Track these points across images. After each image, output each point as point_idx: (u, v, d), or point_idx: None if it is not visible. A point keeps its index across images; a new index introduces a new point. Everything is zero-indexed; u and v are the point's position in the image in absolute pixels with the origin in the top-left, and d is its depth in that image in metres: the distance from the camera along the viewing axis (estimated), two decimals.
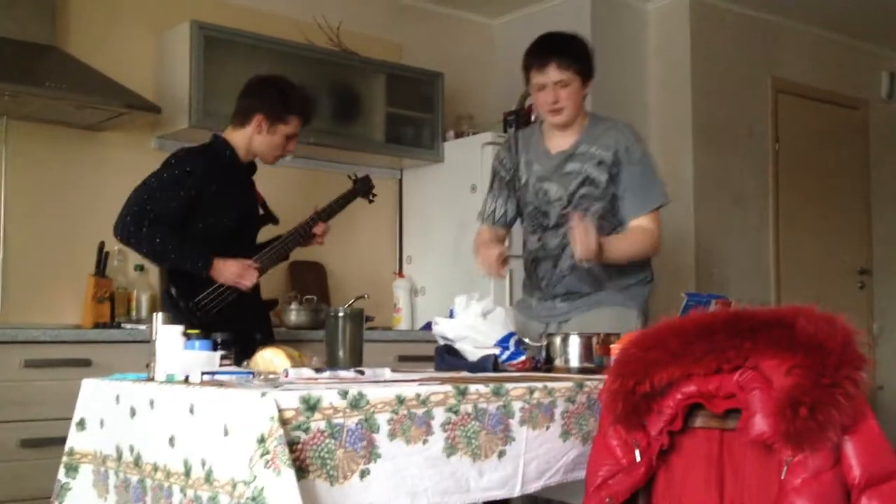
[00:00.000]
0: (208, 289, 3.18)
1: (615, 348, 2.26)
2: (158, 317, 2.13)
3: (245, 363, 2.22)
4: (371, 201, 3.80)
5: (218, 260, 3.17)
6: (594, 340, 2.42)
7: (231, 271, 3.19)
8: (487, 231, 3.05)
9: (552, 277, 2.94)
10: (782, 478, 1.68)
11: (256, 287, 3.32)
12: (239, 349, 3.06)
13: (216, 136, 3.33)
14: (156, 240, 3.11)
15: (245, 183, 3.38)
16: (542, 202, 2.92)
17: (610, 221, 2.89)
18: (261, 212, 3.47)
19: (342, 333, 2.40)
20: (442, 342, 2.65)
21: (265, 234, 3.49)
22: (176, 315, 3.17)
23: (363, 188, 3.71)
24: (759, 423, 1.71)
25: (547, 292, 2.97)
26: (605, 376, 1.98)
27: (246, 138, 3.28)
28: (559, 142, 2.93)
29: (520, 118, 4.81)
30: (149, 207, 3.12)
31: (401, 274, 4.87)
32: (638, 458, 1.87)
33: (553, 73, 2.82)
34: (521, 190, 2.98)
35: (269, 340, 3.39)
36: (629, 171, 2.85)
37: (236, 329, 3.20)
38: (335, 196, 3.58)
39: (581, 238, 2.63)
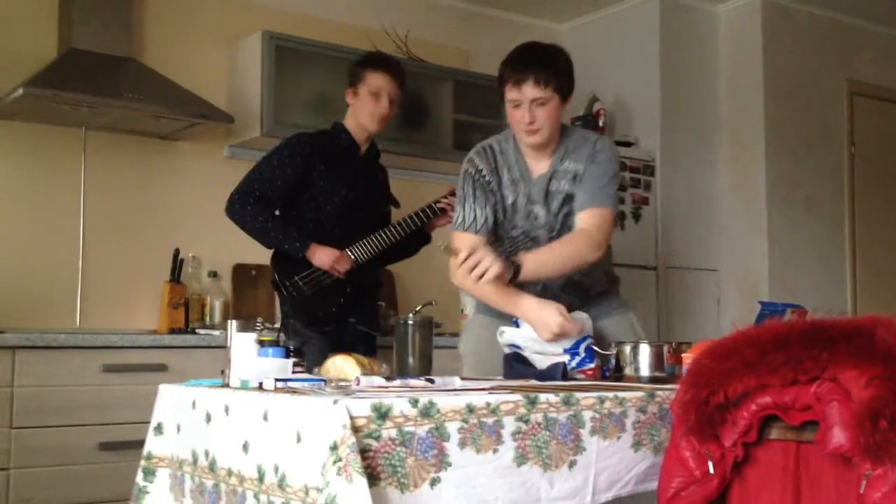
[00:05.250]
0: (306, 271, 3.34)
1: (687, 357, 2.23)
2: (233, 324, 2.17)
3: (316, 370, 2.24)
4: None
5: (315, 245, 3.33)
6: (665, 349, 2.40)
7: (326, 257, 3.34)
8: (472, 240, 2.70)
9: (542, 295, 2.69)
10: (861, 492, 1.64)
11: (361, 274, 3.42)
12: (334, 328, 3.34)
13: (336, 123, 3.49)
14: (259, 218, 3.32)
15: (359, 168, 3.48)
16: (533, 227, 2.75)
17: None
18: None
19: (412, 341, 2.41)
20: (509, 350, 2.64)
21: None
22: (279, 293, 3.45)
23: None
24: (838, 436, 1.67)
25: None
26: (676, 386, 1.95)
27: (351, 117, 3.45)
28: (538, 163, 2.73)
29: (588, 124, 4.79)
30: (256, 186, 3.34)
31: None
32: (711, 470, 1.84)
33: (529, 91, 2.60)
34: (506, 210, 2.75)
35: (366, 324, 3.51)
36: (589, 169, 2.67)
37: (330, 310, 3.39)
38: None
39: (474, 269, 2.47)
